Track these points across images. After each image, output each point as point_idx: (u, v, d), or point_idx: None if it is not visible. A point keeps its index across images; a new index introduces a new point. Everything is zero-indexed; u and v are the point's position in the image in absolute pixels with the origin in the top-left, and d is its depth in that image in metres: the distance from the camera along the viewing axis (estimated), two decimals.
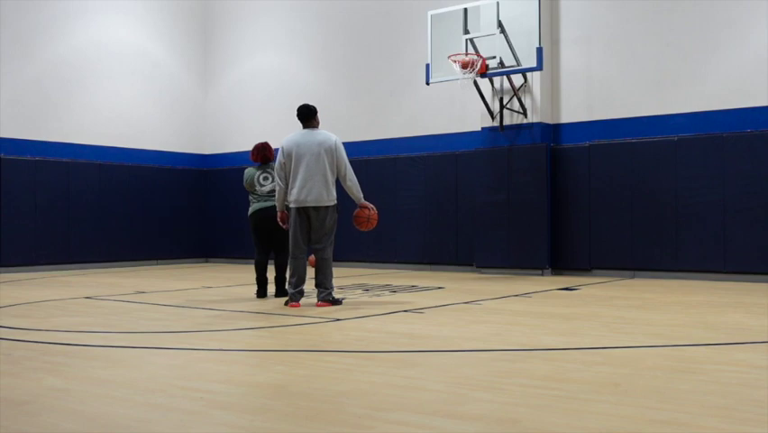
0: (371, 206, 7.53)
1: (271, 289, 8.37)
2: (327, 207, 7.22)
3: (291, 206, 7.29)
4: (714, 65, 10.60)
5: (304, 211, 7.23)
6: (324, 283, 7.29)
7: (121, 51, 14.89)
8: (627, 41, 11.31)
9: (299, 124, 7.50)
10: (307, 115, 7.41)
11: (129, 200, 14.76)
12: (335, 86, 14.47)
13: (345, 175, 7.30)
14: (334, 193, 7.29)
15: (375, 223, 7.55)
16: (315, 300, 7.38)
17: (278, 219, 7.50)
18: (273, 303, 7.59)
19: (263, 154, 8.29)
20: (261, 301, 7.85)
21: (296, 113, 7.46)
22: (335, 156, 7.24)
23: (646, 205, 10.93)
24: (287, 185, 7.31)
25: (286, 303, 7.35)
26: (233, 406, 3.42)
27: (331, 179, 7.24)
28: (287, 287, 7.51)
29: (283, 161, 7.28)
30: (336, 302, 7.36)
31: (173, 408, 3.36)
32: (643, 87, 11.17)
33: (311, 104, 7.57)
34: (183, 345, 5.09)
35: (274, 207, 7.86)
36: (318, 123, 7.48)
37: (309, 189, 7.14)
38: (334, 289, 7.67)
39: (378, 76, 13.90)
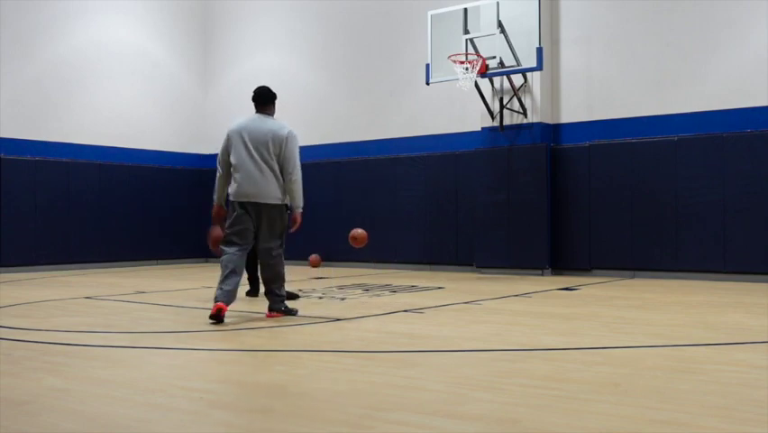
0: (299, 222, 6.48)
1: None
2: (275, 205, 6.35)
3: (231, 198, 6.41)
4: (714, 65, 10.60)
5: (250, 207, 6.35)
6: (273, 290, 6.45)
7: (121, 51, 14.88)
8: (627, 41, 11.31)
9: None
10: (264, 100, 6.60)
11: (129, 200, 14.75)
12: (335, 86, 14.47)
13: (291, 173, 6.33)
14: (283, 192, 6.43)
15: (363, 238, 6.76)
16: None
17: (213, 213, 6.66)
18: None
19: None
20: (261, 301, 7.83)
21: (251, 95, 6.70)
22: (284, 149, 6.34)
23: (646, 205, 10.93)
24: (228, 174, 6.44)
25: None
26: (233, 406, 3.41)
27: (280, 175, 6.37)
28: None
29: (226, 146, 6.44)
30: (289, 312, 6.52)
31: (173, 408, 3.36)
32: (643, 87, 11.17)
33: (272, 89, 6.75)
34: (183, 345, 5.09)
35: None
36: (274, 111, 6.67)
37: (254, 183, 6.28)
38: (284, 297, 6.62)
39: (378, 76, 13.89)
